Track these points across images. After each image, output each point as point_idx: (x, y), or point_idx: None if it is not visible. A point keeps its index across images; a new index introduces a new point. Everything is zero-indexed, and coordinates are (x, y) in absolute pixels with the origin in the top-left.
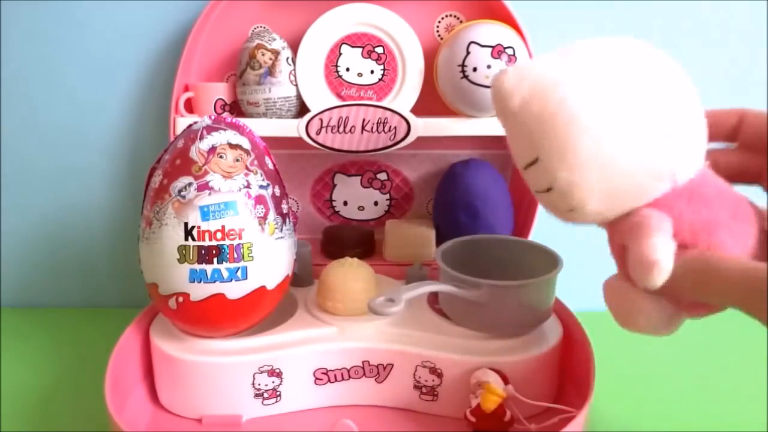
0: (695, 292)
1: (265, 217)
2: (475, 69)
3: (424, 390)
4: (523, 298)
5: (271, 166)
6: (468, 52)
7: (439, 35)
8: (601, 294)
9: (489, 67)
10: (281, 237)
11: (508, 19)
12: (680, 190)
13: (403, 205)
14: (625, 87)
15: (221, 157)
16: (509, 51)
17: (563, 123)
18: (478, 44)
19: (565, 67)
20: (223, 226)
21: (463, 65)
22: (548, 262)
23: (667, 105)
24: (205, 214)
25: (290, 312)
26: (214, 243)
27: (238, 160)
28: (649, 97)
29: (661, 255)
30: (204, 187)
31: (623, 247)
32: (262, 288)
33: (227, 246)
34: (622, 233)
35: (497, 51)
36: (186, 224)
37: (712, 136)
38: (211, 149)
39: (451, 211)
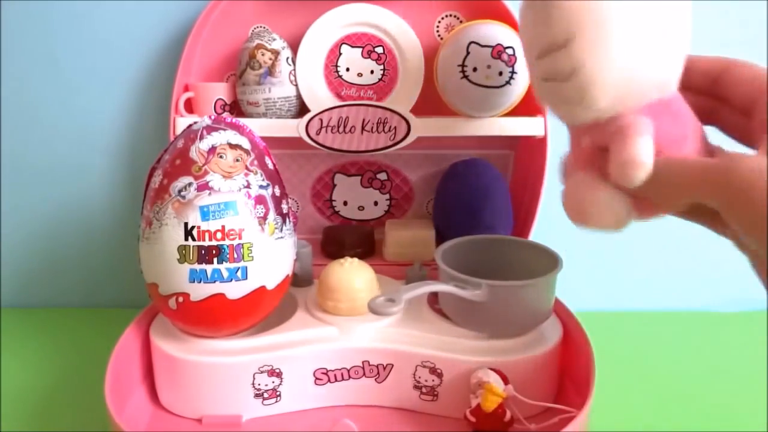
0: (662, 190)
1: (265, 217)
2: (475, 69)
3: (424, 390)
4: (523, 298)
5: (271, 166)
6: (468, 52)
7: (439, 35)
8: (600, 294)
9: (489, 67)
10: (281, 237)
11: (508, 19)
12: (658, 103)
13: (403, 205)
14: None
15: (221, 157)
16: (509, 51)
17: (607, 11)
18: (478, 44)
19: None
20: (223, 226)
21: (463, 65)
22: (548, 262)
23: (676, 13)
24: (205, 214)
25: (290, 312)
26: (214, 243)
27: (238, 160)
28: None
29: (646, 156)
30: (204, 187)
31: (594, 148)
32: (262, 288)
33: (227, 246)
34: (605, 134)
35: (497, 51)
36: (186, 224)
37: None
38: (211, 149)
39: (451, 211)
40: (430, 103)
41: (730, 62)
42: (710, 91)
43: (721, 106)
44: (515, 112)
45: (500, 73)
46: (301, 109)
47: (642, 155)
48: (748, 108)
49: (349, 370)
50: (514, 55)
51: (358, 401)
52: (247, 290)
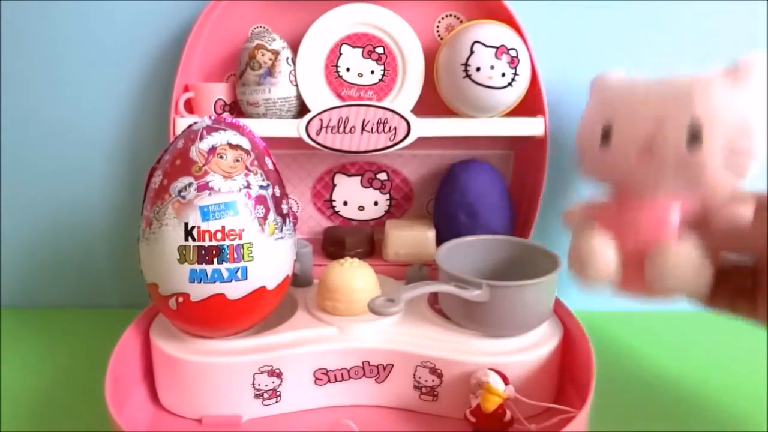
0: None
1: (265, 218)
2: (478, 69)
3: (424, 390)
4: (523, 298)
5: (271, 166)
6: (472, 52)
7: (439, 35)
8: (600, 294)
9: (492, 67)
10: (281, 237)
11: (509, 20)
12: None
13: (403, 205)
14: None
15: (221, 157)
16: (512, 53)
17: None
18: (483, 44)
19: None
20: (223, 227)
21: (466, 64)
22: (548, 262)
23: None
24: (205, 214)
25: (290, 312)
26: (214, 243)
27: (238, 161)
28: None
29: None
30: (204, 188)
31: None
32: (262, 288)
33: (227, 246)
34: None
35: (501, 52)
36: (186, 224)
37: None
38: (211, 149)
39: (451, 211)
40: (430, 103)
41: None
42: None
43: None
44: (515, 112)
45: (503, 74)
46: (301, 109)
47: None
48: None
49: (349, 370)
50: (517, 56)
51: (358, 401)
52: (247, 290)
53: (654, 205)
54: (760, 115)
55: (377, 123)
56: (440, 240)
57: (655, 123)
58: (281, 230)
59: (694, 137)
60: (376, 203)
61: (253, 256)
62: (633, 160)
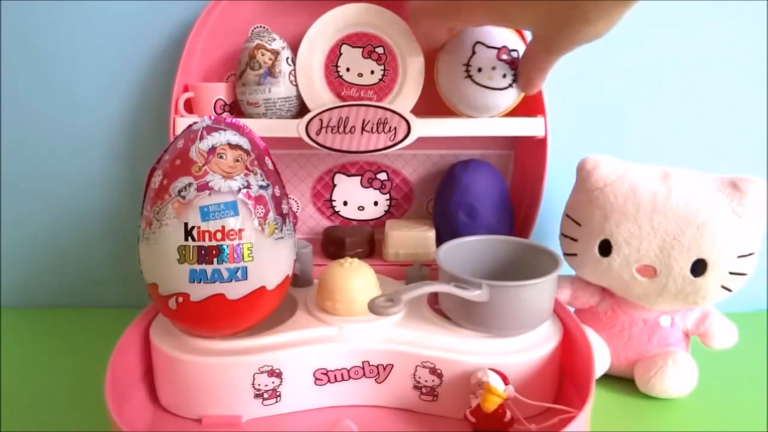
0: None
1: (265, 218)
2: (480, 69)
3: (424, 390)
4: (523, 298)
5: (271, 166)
6: (474, 52)
7: None
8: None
9: (494, 68)
10: (281, 237)
11: None
12: None
13: (403, 205)
14: None
15: (221, 157)
16: (514, 53)
17: None
18: (485, 45)
19: None
20: (222, 227)
21: (467, 65)
22: (548, 262)
23: None
24: (205, 214)
25: (290, 312)
26: (213, 243)
27: (238, 161)
28: None
29: None
30: (204, 188)
31: None
32: (262, 288)
33: (227, 246)
34: None
35: (502, 52)
36: (186, 224)
37: None
38: (211, 149)
39: (451, 211)
40: (430, 103)
41: None
42: None
43: None
44: (515, 112)
45: (504, 75)
46: (301, 109)
47: None
48: None
49: (349, 370)
50: (518, 57)
51: (358, 401)
52: (247, 291)
53: (648, 311)
54: (759, 238)
55: (377, 123)
56: (440, 240)
57: (661, 251)
58: (281, 230)
59: (699, 269)
60: (376, 203)
61: (253, 256)
62: (634, 277)
